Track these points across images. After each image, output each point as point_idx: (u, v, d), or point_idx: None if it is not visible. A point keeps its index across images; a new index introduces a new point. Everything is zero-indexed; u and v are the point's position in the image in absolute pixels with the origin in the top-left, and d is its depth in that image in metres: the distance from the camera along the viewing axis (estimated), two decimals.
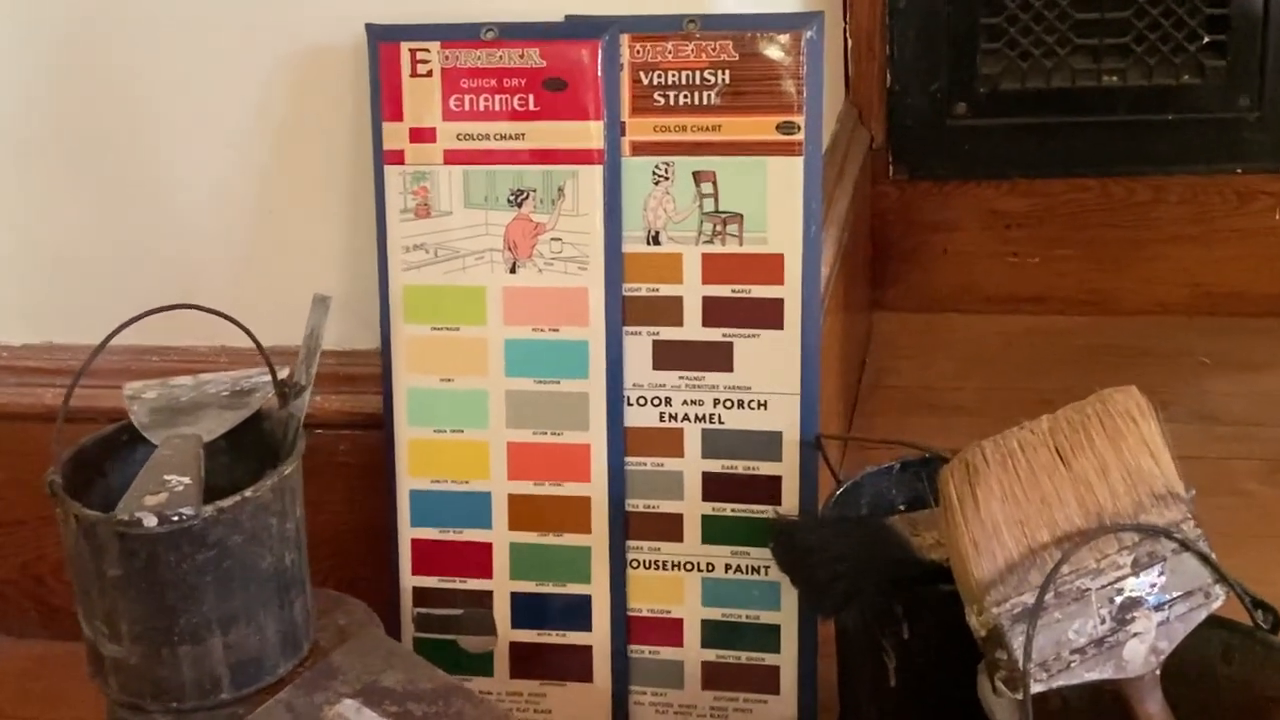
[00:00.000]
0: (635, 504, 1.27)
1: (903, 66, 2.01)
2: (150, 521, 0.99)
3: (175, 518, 1.00)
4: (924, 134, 2.06)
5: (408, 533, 1.30)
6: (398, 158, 1.26)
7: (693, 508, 1.27)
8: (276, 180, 1.34)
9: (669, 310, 1.24)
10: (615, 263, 1.23)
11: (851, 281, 1.75)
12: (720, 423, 1.25)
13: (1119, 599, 0.96)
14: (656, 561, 1.28)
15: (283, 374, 1.20)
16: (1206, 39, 1.94)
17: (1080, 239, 2.06)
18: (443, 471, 1.29)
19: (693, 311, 1.24)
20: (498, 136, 1.24)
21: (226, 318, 1.15)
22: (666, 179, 1.23)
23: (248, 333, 1.16)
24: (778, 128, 1.21)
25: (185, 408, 1.18)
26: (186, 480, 1.04)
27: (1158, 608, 0.97)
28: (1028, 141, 2.04)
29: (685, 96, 1.22)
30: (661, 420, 1.26)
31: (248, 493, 1.07)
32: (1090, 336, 2.05)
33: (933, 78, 2.01)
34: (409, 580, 1.30)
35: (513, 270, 1.25)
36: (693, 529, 1.26)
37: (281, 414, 1.18)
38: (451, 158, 1.25)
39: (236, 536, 1.07)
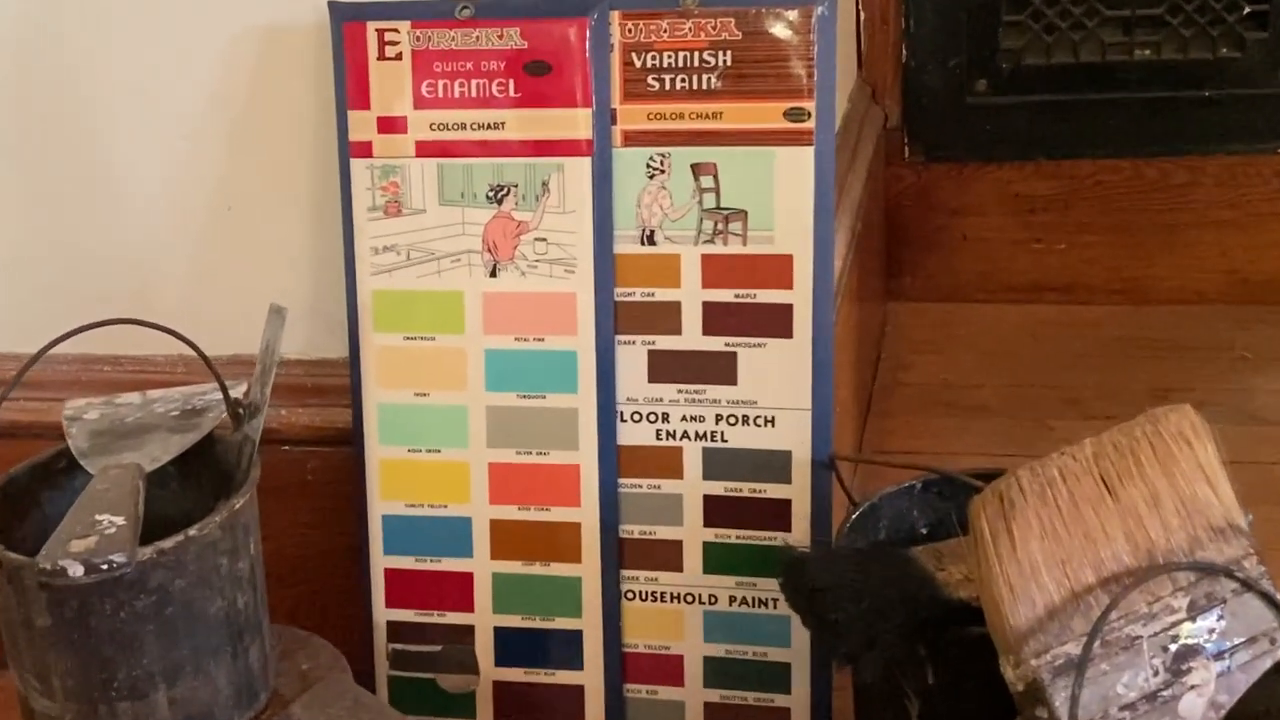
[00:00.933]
0: (630, 530, 1.16)
1: (919, 40, 1.88)
2: (76, 571, 0.88)
3: (105, 566, 0.88)
4: (942, 112, 1.93)
5: (380, 561, 1.18)
6: (365, 150, 1.14)
7: (693, 534, 1.15)
8: (234, 175, 1.22)
9: (666, 317, 1.12)
10: (606, 265, 1.11)
11: (864, 272, 1.63)
12: (723, 441, 1.13)
13: (1174, 647, 0.87)
14: (654, 593, 1.16)
15: (239, 391, 1.08)
16: (1247, 9, 1.82)
17: (1110, 224, 1.94)
18: (418, 495, 1.17)
19: (692, 318, 1.12)
20: (475, 126, 1.12)
21: (171, 333, 1.03)
22: (662, 172, 1.10)
23: (195, 348, 1.04)
24: (786, 114, 1.08)
25: (130, 430, 1.06)
26: (120, 520, 0.92)
27: (1217, 656, 0.88)
28: (1053, 120, 1.92)
29: (683, 80, 1.09)
30: (659, 438, 1.14)
31: (192, 531, 0.95)
32: (1120, 328, 1.92)
33: (952, 52, 1.88)
34: (383, 614, 1.19)
35: (493, 274, 1.13)
36: (693, 557, 1.15)
37: (235, 437, 1.06)
38: (424, 150, 1.13)
39: (180, 580, 0.95)
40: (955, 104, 1.92)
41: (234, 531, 0.99)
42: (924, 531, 1.18)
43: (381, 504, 1.18)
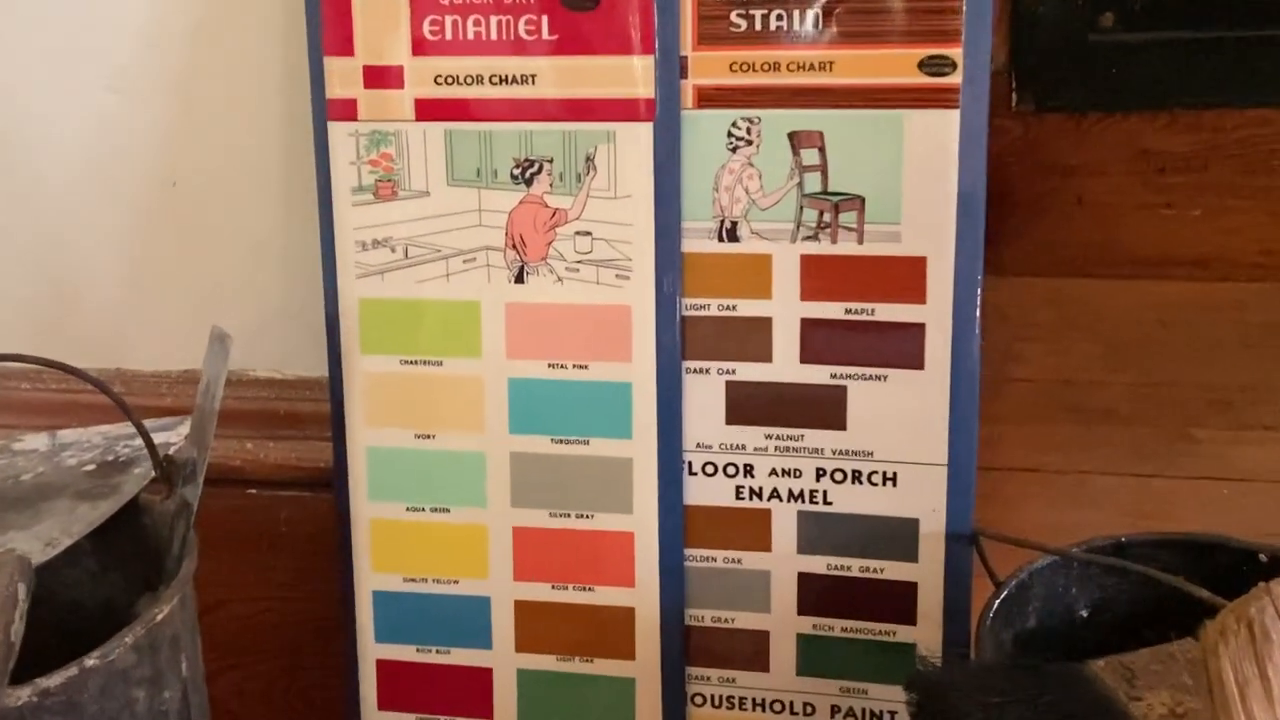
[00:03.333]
0: (699, 616, 0.89)
1: None
2: None
3: None
4: (1058, 53, 1.59)
5: (371, 651, 0.90)
6: (347, 111, 0.84)
7: (784, 624, 0.88)
8: (178, 139, 0.93)
9: (752, 339, 0.84)
10: (671, 268, 0.82)
11: None
12: (826, 503, 0.84)
13: None
14: (730, 698, 0.89)
15: (179, 433, 0.79)
16: None
17: (1256, 187, 1.61)
18: (421, 567, 0.89)
19: (787, 341, 0.83)
20: (495, 79, 0.82)
21: (75, 372, 0.74)
22: (749, 143, 0.81)
23: (107, 393, 0.75)
24: (921, 65, 0.79)
25: (25, 495, 0.79)
26: None
27: None
28: (1192, 62, 1.59)
29: (779, 19, 0.80)
30: (739, 498, 0.86)
31: (91, 660, 0.68)
32: (1269, 311, 1.60)
33: None
34: (375, 716, 0.90)
35: (519, 278, 0.84)
36: (784, 654, 0.88)
37: (166, 506, 0.77)
38: (427, 111, 0.83)
39: None
40: (1075, 42, 1.60)
41: (155, 653, 0.71)
42: (1084, 614, 0.93)
43: (373, 577, 0.90)
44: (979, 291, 0.82)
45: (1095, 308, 1.65)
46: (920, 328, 0.83)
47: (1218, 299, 1.65)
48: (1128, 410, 1.47)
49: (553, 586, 0.89)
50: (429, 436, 0.88)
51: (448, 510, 0.89)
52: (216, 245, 0.95)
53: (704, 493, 0.88)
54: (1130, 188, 1.66)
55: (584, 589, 0.89)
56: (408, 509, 0.90)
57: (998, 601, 0.85)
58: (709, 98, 0.83)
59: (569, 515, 0.88)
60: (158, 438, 0.83)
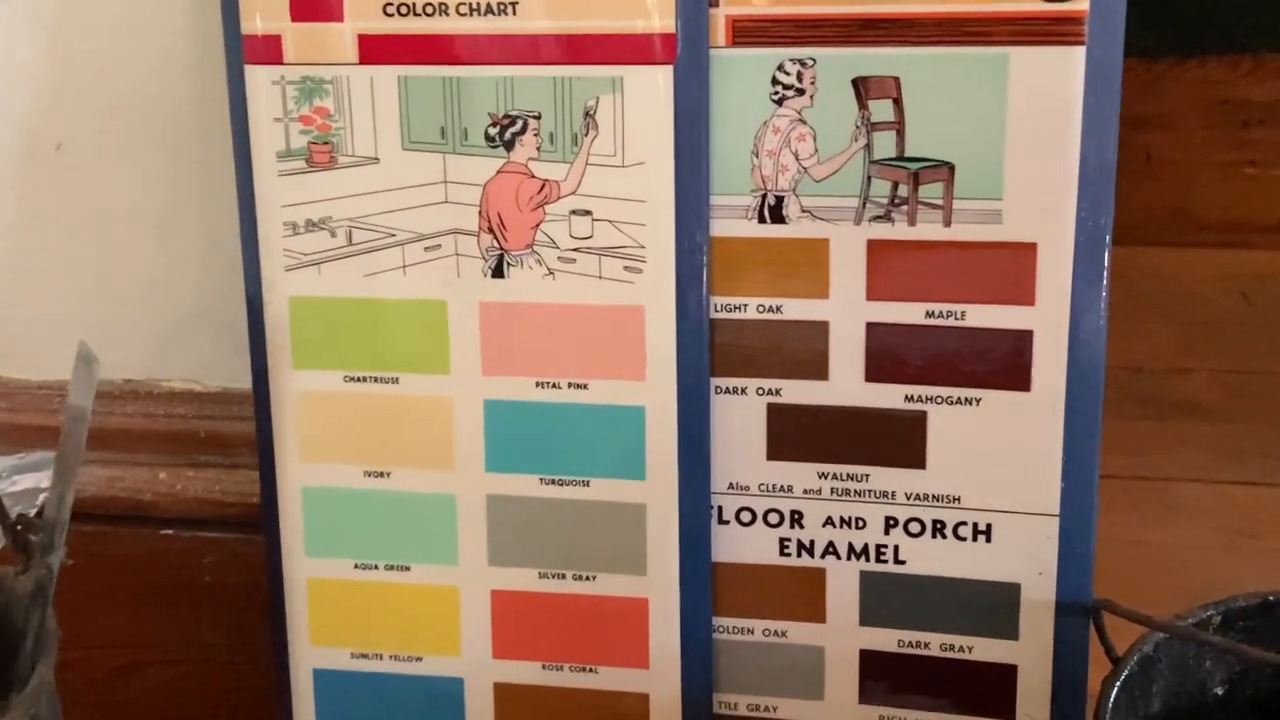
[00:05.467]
0: (731, 704, 0.70)
1: None
2: None
3: None
4: None
5: None
6: (270, 51, 0.64)
7: (842, 715, 0.67)
8: (61, 90, 0.72)
9: (802, 349, 0.64)
10: (695, 257, 0.62)
11: None
12: (897, 562, 0.65)
13: None
14: None
15: (39, 479, 0.60)
16: None
17: None
18: (374, 640, 0.70)
19: (848, 352, 0.64)
20: (465, 8, 0.62)
21: None
22: (800, 93, 0.61)
23: None
24: None
25: None
26: None
27: None
28: None
29: None
30: (784, 554, 0.66)
31: None
32: None
33: None
34: None
35: (498, 271, 0.64)
36: None
37: (22, 584, 0.57)
38: (374, 50, 0.63)
39: None
40: None
41: None
42: (1219, 691, 0.73)
43: (313, 652, 0.70)
44: (1105, 289, 0.62)
45: (1168, 282, 1.45)
46: (1026, 336, 0.63)
47: None
48: (1212, 403, 1.28)
49: (543, 666, 0.69)
50: (382, 475, 0.68)
51: (407, 569, 0.69)
52: (114, 225, 0.75)
53: (739, 547, 0.68)
54: (1208, 143, 1.48)
55: (584, 670, 0.69)
56: (356, 566, 0.70)
57: (1118, 684, 0.65)
58: (747, 32, 0.62)
59: (564, 576, 0.68)
60: (22, 481, 0.63)
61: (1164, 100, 1.46)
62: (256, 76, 0.65)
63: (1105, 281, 0.62)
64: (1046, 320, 0.62)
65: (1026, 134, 0.61)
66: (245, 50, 0.65)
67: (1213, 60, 1.46)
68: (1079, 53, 0.60)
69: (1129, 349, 1.36)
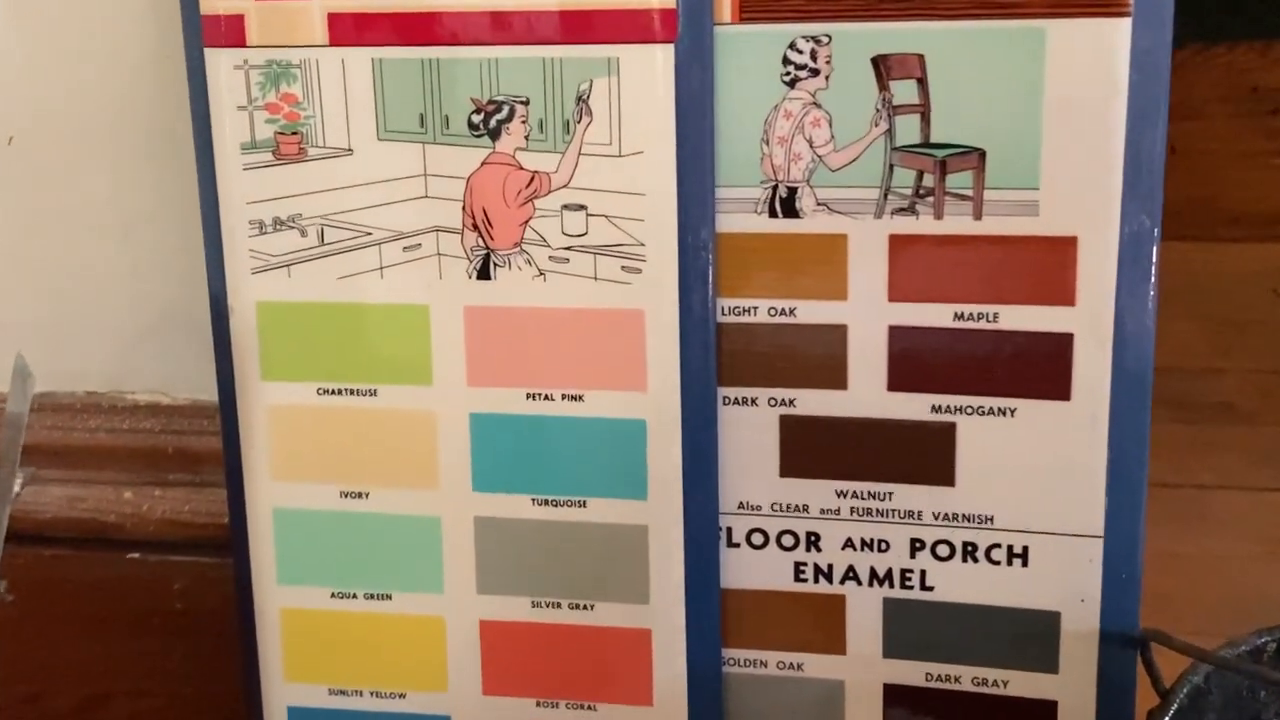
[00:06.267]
0: None
1: None
2: None
3: None
4: None
5: None
6: (232, 32, 0.58)
7: None
8: (14, 77, 0.66)
9: (818, 355, 0.58)
10: (702, 256, 0.56)
11: None
12: (924, 588, 0.59)
13: None
14: None
15: None
16: None
17: None
18: (353, 675, 0.64)
19: (869, 357, 0.58)
20: None
21: None
22: (814, 73, 0.55)
23: None
24: None
25: None
26: None
27: None
28: None
29: None
30: (800, 579, 0.60)
31: None
32: None
33: None
34: None
35: (484, 273, 0.58)
36: None
37: None
38: (346, 30, 0.57)
39: None
40: None
41: None
42: None
43: (287, 689, 0.64)
44: (1153, 287, 0.56)
45: (1196, 278, 1.39)
46: (1066, 340, 0.57)
47: None
48: (1246, 405, 1.22)
49: (537, 704, 0.63)
50: (361, 495, 0.62)
51: (389, 597, 0.63)
52: (73, 224, 0.69)
53: (750, 572, 0.62)
54: (1234, 133, 1.41)
55: (582, 707, 0.63)
56: (333, 595, 0.64)
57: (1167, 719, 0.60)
58: (755, 6, 0.56)
59: (559, 605, 0.62)
60: None
61: (1189, 89, 1.40)
62: (217, 61, 0.59)
63: (1153, 279, 0.56)
64: (1088, 322, 0.57)
65: (1066, 116, 0.55)
66: (205, 32, 0.59)
67: (1241, 47, 1.40)
68: (1124, 24, 0.54)
69: (1161, 346, 1.30)
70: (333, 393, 0.62)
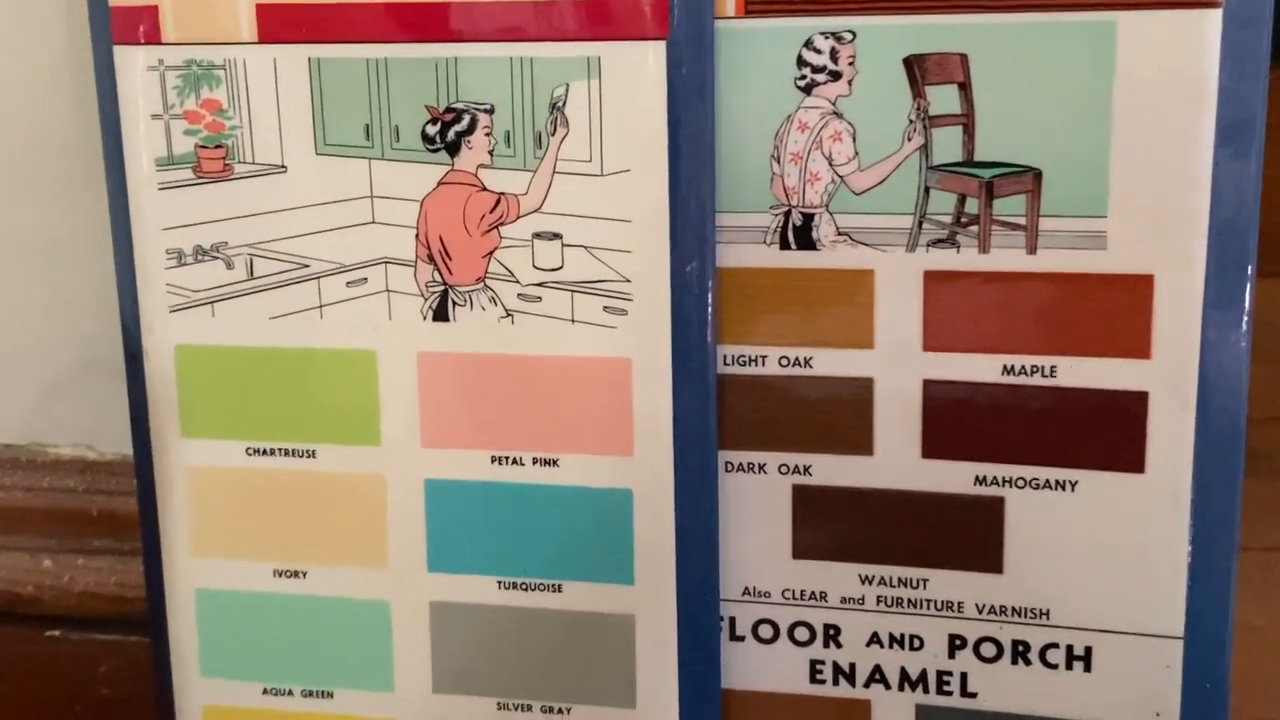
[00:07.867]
0: None
1: None
2: None
3: None
4: None
5: None
6: (147, 27, 0.49)
7: None
8: None
9: (839, 414, 0.49)
10: (699, 294, 0.46)
11: None
12: (965, 694, 0.49)
13: None
14: None
15: None
16: None
17: None
18: None
19: (900, 418, 0.48)
20: None
21: None
22: (835, 77, 0.45)
23: None
24: None
25: None
26: None
27: None
28: None
29: None
30: (817, 680, 0.51)
31: None
32: None
33: None
34: None
35: (441, 313, 0.48)
36: None
37: None
38: (276, 24, 0.48)
39: None
40: None
41: None
42: None
43: None
44: (1246, 336, 0.46)
45: (1261, 315, 1.28)
46: (1140, 400, 0.47)
47: None
48: None
49: None
50: (297, 575, 0.53)
51: (330, 695, 0.54)
52: None
53: (758, 671, 0.52)
54: None
55: None
56: (265, 691, 0.54)
57: None
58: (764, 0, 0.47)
59: (529, 709, 0.53)
60: None
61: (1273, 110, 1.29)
62: (128, 60, 0.50)
63: (1246, 326, 0.46)
64: (1167, 378, 0.47)
65: (1140, 129, 0.45)
66: (114, 26, 0.50)
67: None
68: (1213, 16, 0.44)
69: None
70: (264, 453, 0.52)
